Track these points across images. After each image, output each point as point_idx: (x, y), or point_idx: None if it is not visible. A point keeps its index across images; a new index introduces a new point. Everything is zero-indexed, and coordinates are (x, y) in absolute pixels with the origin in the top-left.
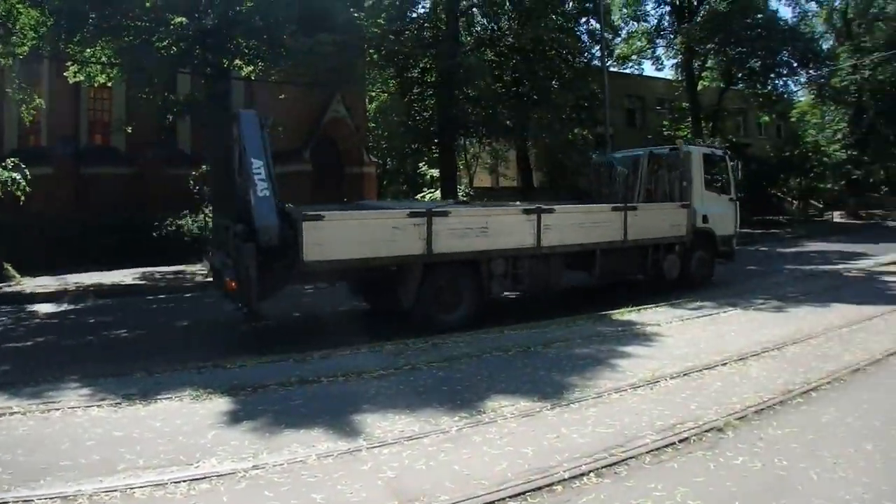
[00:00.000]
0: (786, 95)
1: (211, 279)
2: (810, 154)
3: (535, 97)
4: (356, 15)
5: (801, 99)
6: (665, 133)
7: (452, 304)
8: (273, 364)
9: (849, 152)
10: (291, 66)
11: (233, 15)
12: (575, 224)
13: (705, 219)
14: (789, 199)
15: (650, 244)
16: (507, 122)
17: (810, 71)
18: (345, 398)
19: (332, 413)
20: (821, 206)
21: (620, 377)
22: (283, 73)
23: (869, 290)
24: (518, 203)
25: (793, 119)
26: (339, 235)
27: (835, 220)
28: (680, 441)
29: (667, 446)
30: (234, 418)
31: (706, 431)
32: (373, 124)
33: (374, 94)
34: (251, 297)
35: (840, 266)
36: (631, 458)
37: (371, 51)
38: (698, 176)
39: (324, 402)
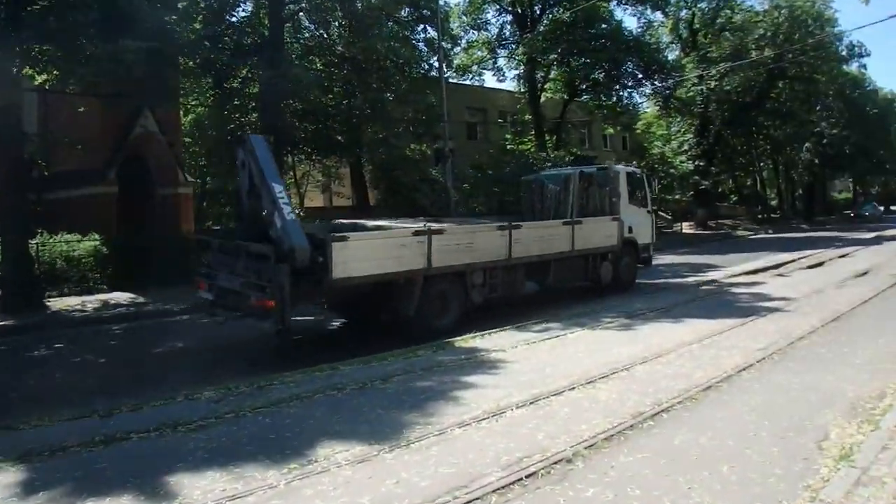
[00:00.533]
0: (631, 107)
1: (208, 298)
2: (657, 166)
3: (368, 110)
4: (167, 19)
5: (647, 110)
6: (508, 147)
7: (443, 311)
8: (74, 422)
9: (696, 163)
10: (92, 75)
11: (24, 16)
12: (537, 238)
13: (630, 229)
14: None
15: (590, 253)
16: (339, 138)
17: (655, 82)
18: (158, 457)
19: (142, 476)
20: (669, 217)
21: (464, 410)
22: (82, 82)
23: (719, 304)
24: (487, 221)
25: (638, 131)
26: (360, 254)
27: (684, 231)
28: (527, 476)
29: (514, 483)
30: (28, 489)
31: (554, 463)
32: (189, 139)
33: (189, 106)
34: (285, 315)
35: (690, 279)
36: (475, 499)
37: (185, 58)
38: (624, 192)
39: (133, 464)
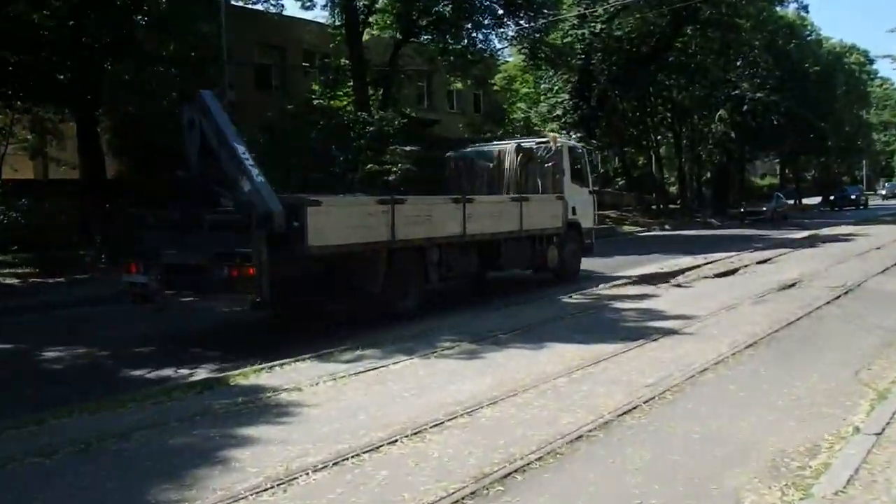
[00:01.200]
0: (487, 54)
1: (142, 282)
2: (520, 136)
3: (108, 40)
4: None
5: (509, 59)
6: (316, 102)
7: (404, 292)
8: None
9: (571, 133)
10: None
11: None
12: (488, 213)
13: (573, 211)
14: None
15: (537, 235)
16: (60, 77)
17: (521, 21)
18: None
19: None
20: None
21: (239, 478)
22: None
23: (596, 323)
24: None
25: (496, 88)
26: (333, 221)
27: None
28: None
29: None
30: None
31: None
32: None
33: None
34: (263, 284)
35: (558, 290)
36: None
37: None
38: (567, 169)
39: None
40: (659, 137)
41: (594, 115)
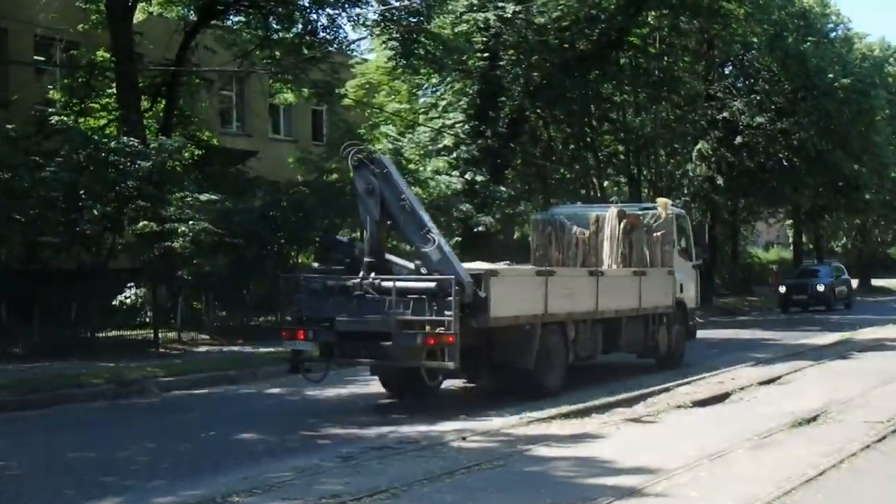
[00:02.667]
0: (335, 48)
1: (308, 349)
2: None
3: None
4: None
5: (369, 58)
6: (55, 120)
7: (550, 369)
8: None
9: (467, 176)
10: None
11: None
12: (613, 288)
13: (681, 288)
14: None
15: (650, 315)
16: None
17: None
18: None
19: None
20: None
21: None
22: None
23: (506, 487)
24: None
25: (349, 100)
26: (509, 292)
27: None
28: None
29: None
30: None
31: None
32: None
33: None
34: (456, 352)
35: (445, 427)
36: None
37: None
38: (675, 240)
39: None
40: (605, 183)
41: (504, 146)
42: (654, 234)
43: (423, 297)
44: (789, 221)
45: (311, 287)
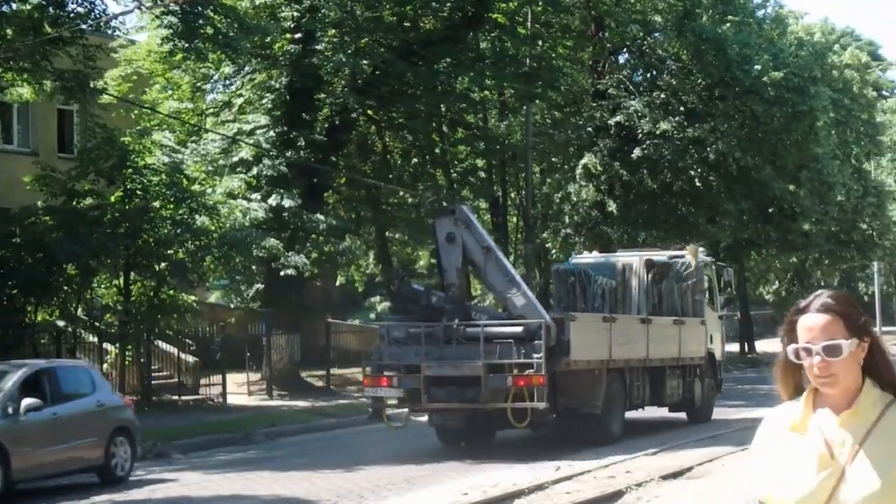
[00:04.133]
0: (89, 24)
1: (395, 396)
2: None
3: None
4: None
5: (137, 39)
6: None
7: (613, 415)
8: None
9: (270, 200)
10: None
11: None
12: (659, 337)
13: (711, 338)
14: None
15: (687, 366)
16: None
17: None
18: None
19: None
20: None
21: None
22: None
23: None
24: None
25: (109, 97)
26: (586, 336)
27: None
28: None
29: None
30: None
31: None
32: None
33: None
34: (545, 395)
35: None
36: None
37: None
38: (705, 289)
39: None
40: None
41: (322, 160)
42: (685, 284)
43: (510, 341)
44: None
45: (394, 335)
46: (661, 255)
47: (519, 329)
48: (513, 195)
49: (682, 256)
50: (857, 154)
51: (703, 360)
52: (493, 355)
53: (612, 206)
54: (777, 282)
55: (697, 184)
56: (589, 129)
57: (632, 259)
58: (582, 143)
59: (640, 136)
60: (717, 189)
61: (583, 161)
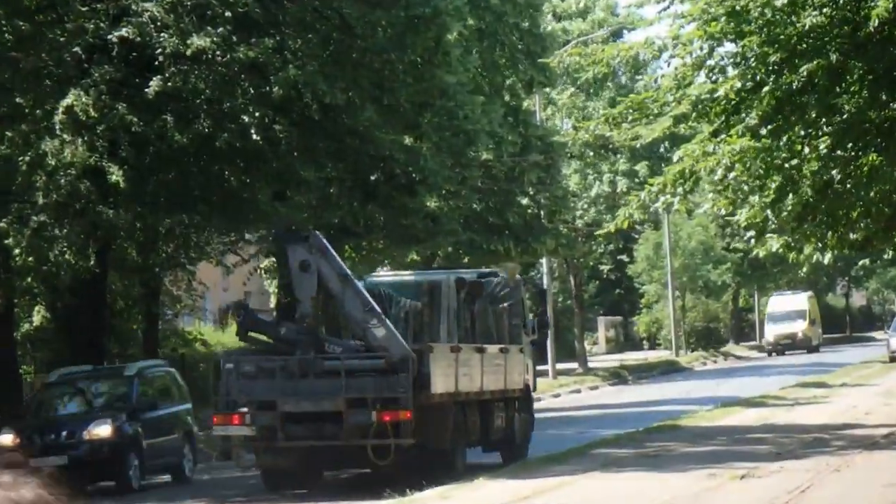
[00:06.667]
0: None
1: (246, 434)
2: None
3: None
4: None
5: None
6: None
7: (459, 448)
8: None
9: None
10: None
11: None
12: (489, 367)
13: (526, 368)
14: None
15: (509, 398)
16: None
17: None
18: None
19: None
20: None
21: None
22: None
23: None
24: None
25: None
26: (442, 368)
27: None
28: None
29: None
30: None
31: None
32: None
33: None
34: (410, 429)
35: None
36: None
37: None
38: (524, 312)
39: None
40: None
41: None
42: (500, 306)
43: (372, 374)
44: (267, 263)
45: (244, 369)
46: (470, 274)
47: (380, 361)
48: None
49: (496, 275)
50: (512, 85)
51: (522, 393)
52: (354, 390)
53: (116, 175)
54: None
55: (255, 137)
56: (76, 49)
57: (439, 277)
58: (65, 73)
59: (161, 59)
60: (288, 145)
61: (66, 101)
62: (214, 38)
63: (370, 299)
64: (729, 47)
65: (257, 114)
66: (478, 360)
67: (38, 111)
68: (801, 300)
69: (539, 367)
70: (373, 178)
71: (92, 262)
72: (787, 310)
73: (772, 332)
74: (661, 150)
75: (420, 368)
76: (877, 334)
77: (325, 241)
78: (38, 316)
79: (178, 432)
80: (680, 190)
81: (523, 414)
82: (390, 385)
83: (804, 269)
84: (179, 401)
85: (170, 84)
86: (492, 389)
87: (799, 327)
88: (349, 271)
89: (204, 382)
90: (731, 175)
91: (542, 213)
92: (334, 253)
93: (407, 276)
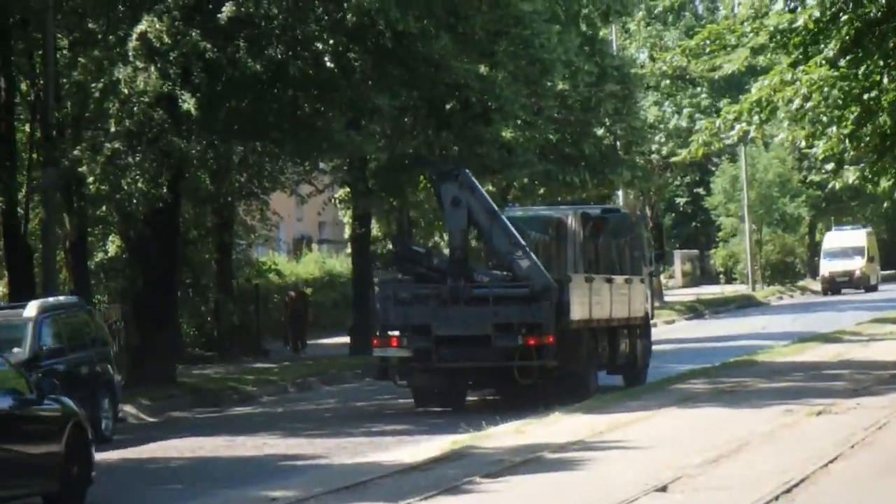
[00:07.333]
0: None
1: (403, 356)
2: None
3: None
4: None
5: None
6: None
7: (592, 371)
8: None
9: None
10: None
11: None
12: (616, 296)
13: (646, 297)
14: None
15: (632, 326)
16: None
17: None
18: None
19: None
20: None
21: None
22: None
23: None
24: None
25: None
26: (579, 297)
27: None
28: None
29: None
30: None
31: None
32: None
33: None
34: (552, 352)
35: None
36: None
37: None
38: (644, 245)
39: None
40: None
41: None
42: (623, 240)
43: (517, 301)
44: (341, 193)
45: (400, 296)
46: (594, 210)
47: (526, 290)
48: (23, 86)
49: (618, 211)
50: (588, 14)
51: (643, 321)
52: (502, 315)
53: (188, 103)
54: None
55: (329, 64)
56: None
57: (565, 213)
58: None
59: None
60: (362, 73)
61: (139, 27)
62: None
63: (515, 233)
64: None
65: (331, 41)
66: (607, 290)
67: (110, 37)
68: (858, 236)
69: None
70: (447, 106)
71: (164, 191)
72: (844, 246)
73: (827, 268)
74: (741, 84)
75: (560, 297)
76: None
77: (473, 179)
78: (113, 246)
79: (91, 384)
80: (756, 119)
81: (644, 340)
82: (534, 312)
83: (886, 204)
84: (96, 346)
85: (242, 10)
86: (618, 317)
87: (857, 265)
88: (496, 207)
89: (278, 313)
90: (809, 105)
91: (618, 144)
92: (483, 191)
93: (537, 211)
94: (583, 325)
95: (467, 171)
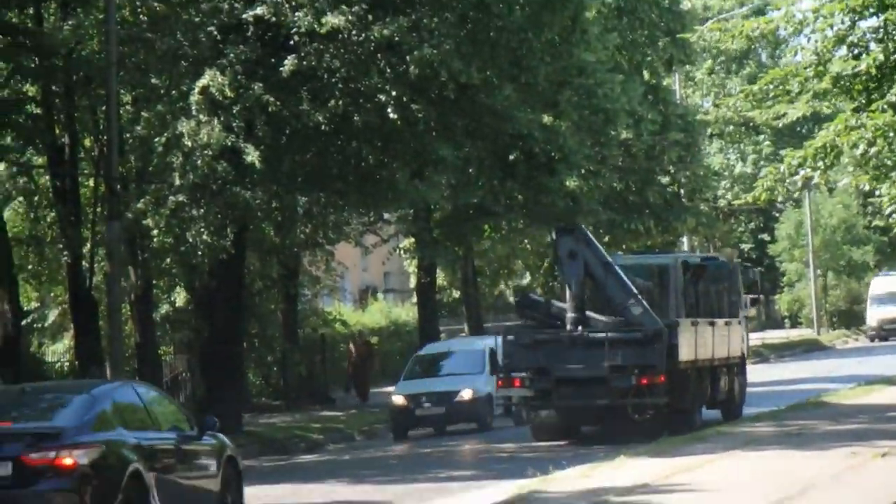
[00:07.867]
0: None
1: (525, 395)
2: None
3: None
4: None
5: None
6: None
7: (696, 408)
8: None
9: None
10: None
11: None
12: (718, 337)
13: (742, 339)
14: None
15: (731, 364)
16: None
17: None
18: None
19: None
20: None
21: None
22: None
23: None
24: None
25: None
26: (687, 339)
27: None
28: None
29: None
30: None
31: None
32: None
33: None
34: (664, 391)
35: None
36: None
37: None
38: (741, 290)
39: None
40: None
41: None
42: (721, 285)
43: (630, 345)
44: (406, 243)
45: (523, 341)
46: (694, 258)
47: (639, 334)
48: (87, 142)
49: (716, 259)
50: (651, 63)
51: (740, 360)
52: (617, 358)
53: (252, 156)
54: (528, 273)
55: (392, 115)
56: (211, 29)
57: (667, 260)
58: (200, 54)
59: (295, 38)
60: (426, 124)
61: (202, 81)
62: (349, 17)
63: (628, 282)
64: (871, 21)
65: (394, 93)
66: (710, 332)
67: (173, 92)
68: None
69: None
70: (511, 156)
71: (229, 243)
72: (892, 291)
73: (875, 316)
74: (804, 131)
75: (670, 340)
76: None
77: (588, 233)
78: (180, 297)
79: None
80: (820, 164)
81: (740, 377)
82: (646, 354)
83: None
84: None
85: (304, 63)
86: (719, 357)
87: None
88: (610, 259)
89: (343, 362)
90: (873, 150)
91: (682, 191)
92: (597, 244)
93: (640, 258)
94: (689, 366)
95: (583, 226)
